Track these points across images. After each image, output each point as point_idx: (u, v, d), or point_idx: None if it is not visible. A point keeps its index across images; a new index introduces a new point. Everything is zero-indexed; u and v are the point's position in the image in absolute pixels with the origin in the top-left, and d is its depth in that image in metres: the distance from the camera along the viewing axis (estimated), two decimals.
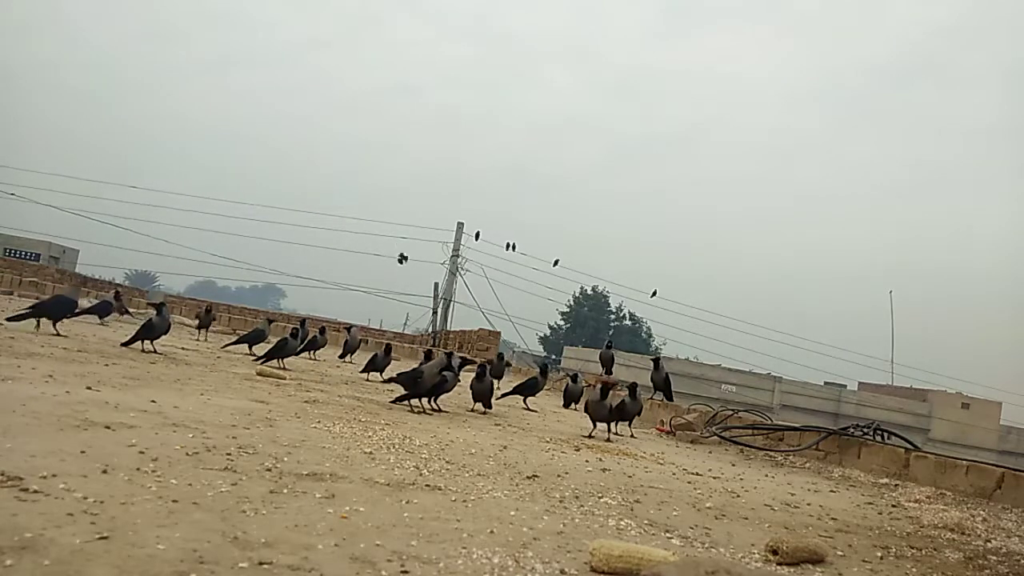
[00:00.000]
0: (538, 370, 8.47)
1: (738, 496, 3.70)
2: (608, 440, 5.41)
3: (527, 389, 7.50)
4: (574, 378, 8.71)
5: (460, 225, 23.97)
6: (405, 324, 29.69)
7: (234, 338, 9.54)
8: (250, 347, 8.57)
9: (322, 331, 9.77)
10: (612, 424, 5.75)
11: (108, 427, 2.98)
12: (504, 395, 7.32)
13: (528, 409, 7.23)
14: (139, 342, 6.62)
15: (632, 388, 5.97)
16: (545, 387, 8.09)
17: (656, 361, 8.91)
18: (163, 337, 6.99)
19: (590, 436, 5.47)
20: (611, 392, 5.93)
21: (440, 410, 5.60)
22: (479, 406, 6.20)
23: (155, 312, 6.89)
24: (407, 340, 19.62)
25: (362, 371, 8.06)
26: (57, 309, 6.93)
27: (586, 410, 5.78)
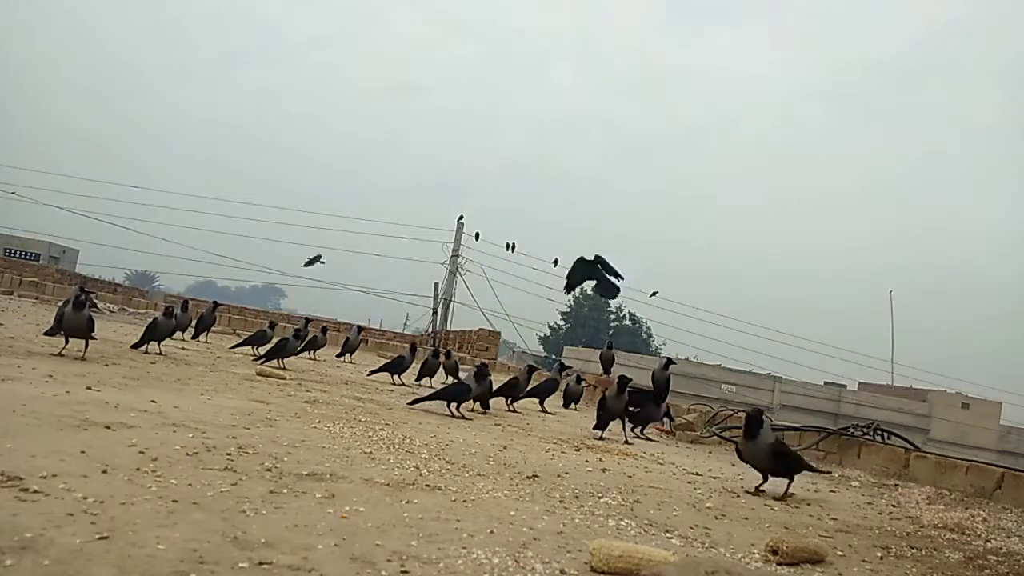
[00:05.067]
0: (556, 371, 8.43)
1: (738, 496, 3.70)
2: (627, 443, 5.37)
3: (546, 391, 7.45)
4: (577, 379, 8.69)
5: (460, 225, 23.96)
6: (405, 324, 29.71)
7: (236, 340, 9.56)
8: (255, 348, 8.61)
9: (323, 331, 9.79)
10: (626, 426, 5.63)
11: (108, 427, 2.98)
12: (520, 397, 7.33)
13: (545, 411, 7.19)
14: (147, 343, 6.65)
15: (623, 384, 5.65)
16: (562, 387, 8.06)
17: (668, 361, 8.93)
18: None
19: (601, 438, 5.43)
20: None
21: (462, 416, 5.50)
22: (477, 406, 6.20)
23: (163, 312, 6.89)
24: (407, 340, 19.60)
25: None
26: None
27: (602, 408, 5.52)
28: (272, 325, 9.38)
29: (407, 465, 3.15)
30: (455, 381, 5.82)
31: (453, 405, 5.53)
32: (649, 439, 6.15)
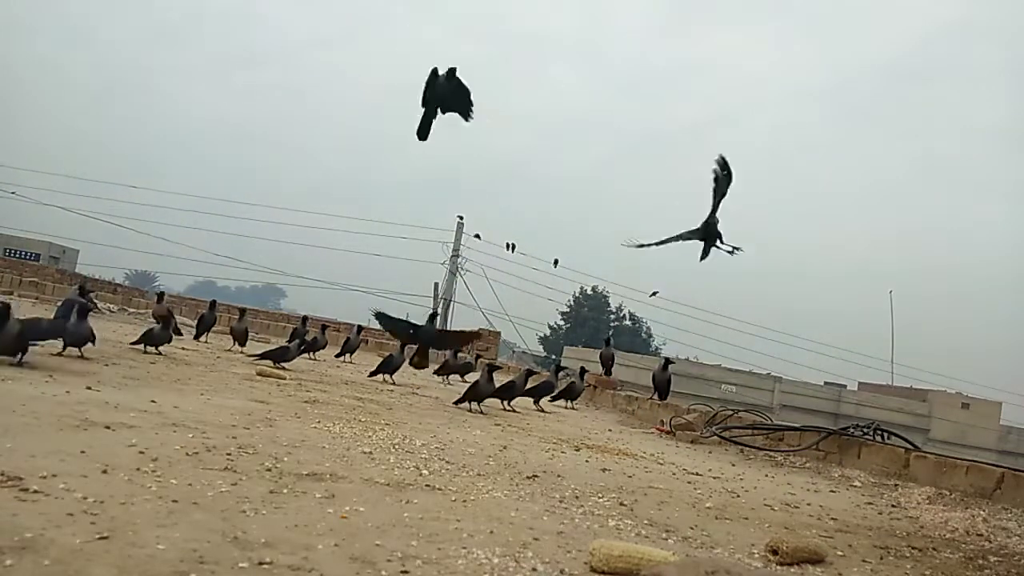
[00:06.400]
0: (553, 372, 8.48)
1: (738, 496, 3.70)
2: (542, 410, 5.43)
3: (541, 392, 7.55)
4: (581, 372, 8.70)
5: (460, 225, 23.95)
6: None
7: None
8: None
9: (323, 330, 9.77)
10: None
11: (108, 427, 2.98)
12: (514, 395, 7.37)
13: (541, 410, 7.25)
14: (142, 344, 6.72)
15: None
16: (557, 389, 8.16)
17: (667, 361, 8.97)
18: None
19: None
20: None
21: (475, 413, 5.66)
22: (475, 404, 6.24)
23: (161, 323, 6.92)
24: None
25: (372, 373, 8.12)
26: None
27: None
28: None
29: (407, 465, 3.15)
30: (475, 381, 6.28)
31: (473, 403, 6.16)
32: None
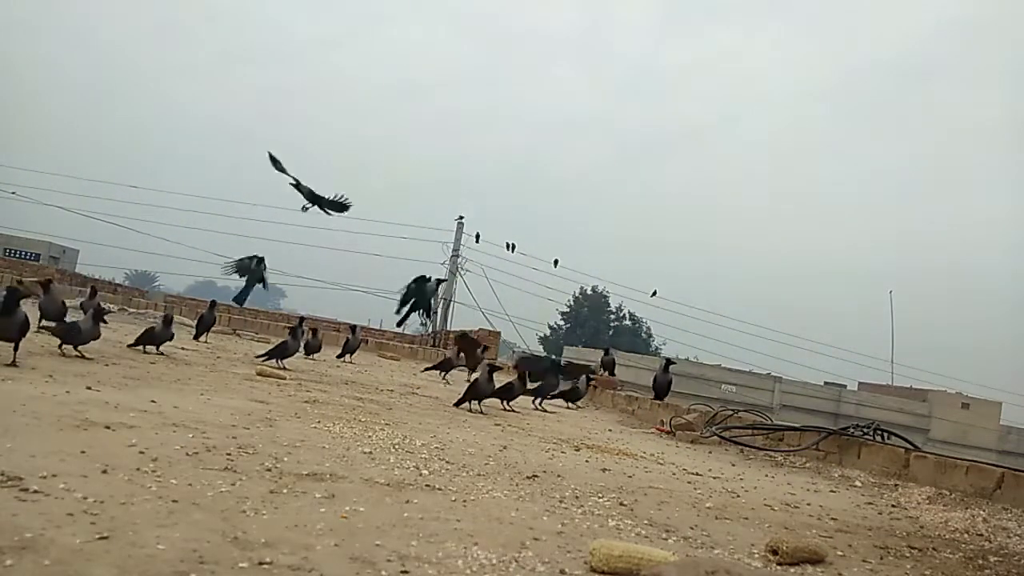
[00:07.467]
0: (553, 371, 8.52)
1: (738, 496, 3.69)
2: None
3: (543, 390, 7.61)
4: (587, 378, 8.73)
5: (460, 225, 23.93)
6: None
7: (236, 340, 9.63)
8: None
9: (314, 333, 9.65)
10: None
11: (108, 427, 2.98)
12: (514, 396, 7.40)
13: (542, 410, 7.28)
14: (142, 345, 6.75)
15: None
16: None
17: (668, 362, 9.02)
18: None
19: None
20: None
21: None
22: (475, 404, 6.25)
23: (162, 322, 6.96)
24: (407, 340, 19.59)
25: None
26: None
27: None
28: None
29: (407, 465, 3.15)
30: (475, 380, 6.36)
31: (474, 402, 6.17)
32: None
